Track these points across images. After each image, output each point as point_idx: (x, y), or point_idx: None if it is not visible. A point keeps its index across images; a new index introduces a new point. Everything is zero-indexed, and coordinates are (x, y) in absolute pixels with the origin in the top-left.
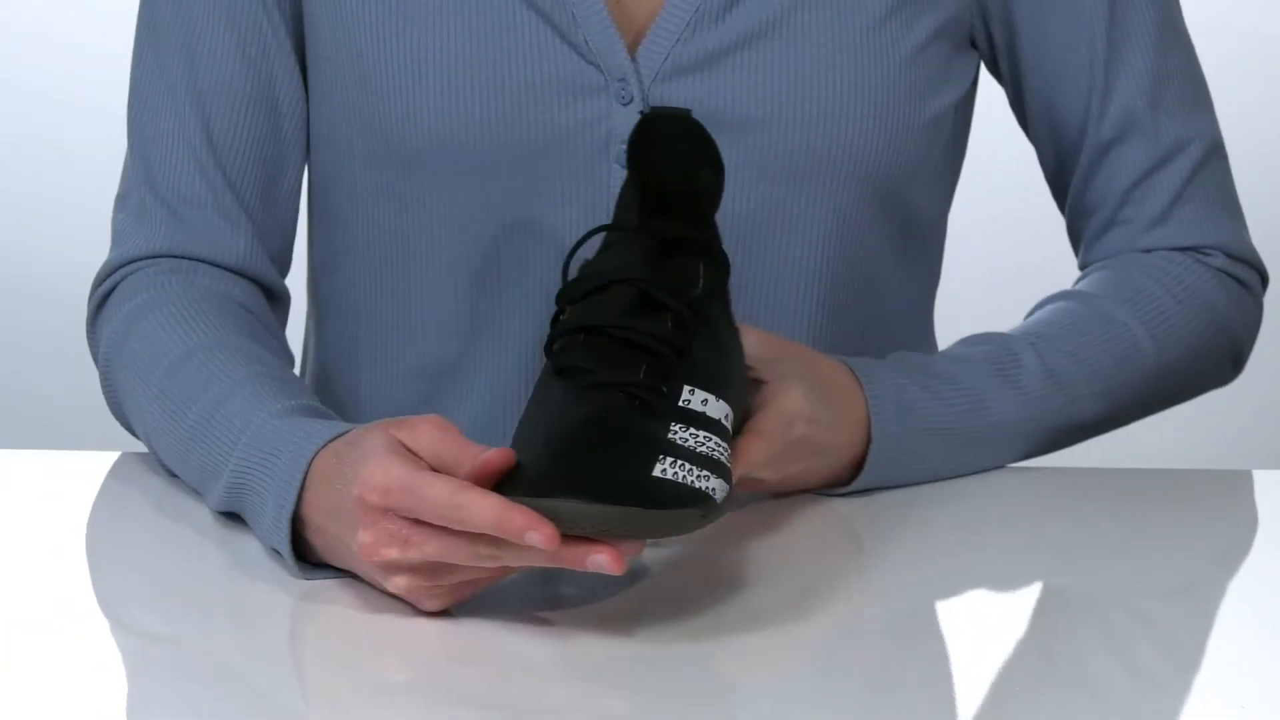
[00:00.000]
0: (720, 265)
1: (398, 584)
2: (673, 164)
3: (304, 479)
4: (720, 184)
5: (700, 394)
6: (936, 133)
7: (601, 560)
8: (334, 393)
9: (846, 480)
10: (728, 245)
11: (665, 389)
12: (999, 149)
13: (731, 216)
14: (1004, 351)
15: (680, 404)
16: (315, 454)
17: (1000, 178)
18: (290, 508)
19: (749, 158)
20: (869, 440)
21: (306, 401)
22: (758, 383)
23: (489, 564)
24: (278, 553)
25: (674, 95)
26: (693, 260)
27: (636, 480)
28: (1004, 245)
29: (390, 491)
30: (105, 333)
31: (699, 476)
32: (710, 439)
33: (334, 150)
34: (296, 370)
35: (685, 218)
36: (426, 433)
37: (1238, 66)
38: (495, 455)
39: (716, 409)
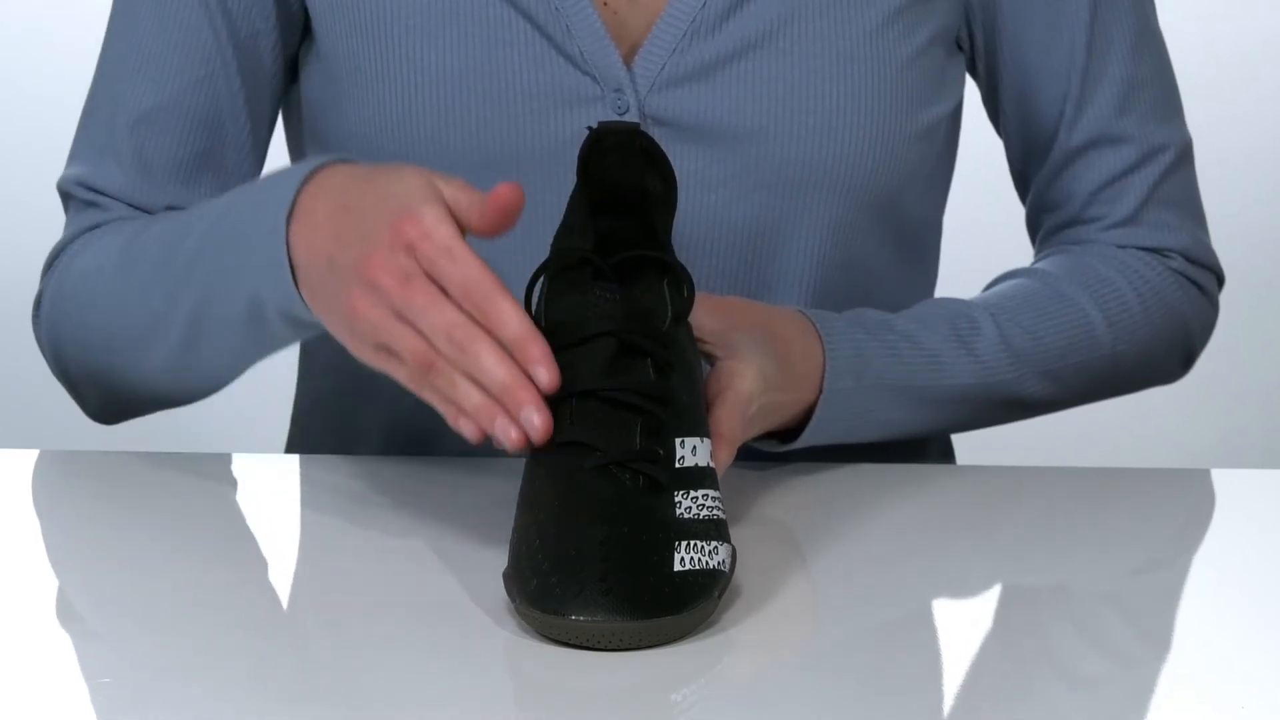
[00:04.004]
0: (683, 285)
1: (360, 300)
2: (622, 170)
3: (308, 178)
4: (672, 197)
5: (690, 442)
6: (932, 141)
7: (511, 433)
8: (332, 422)
9: (796, 429)
10: (726, 255)
11: (662, 450)
12: (995, 147)
13: (728, 226)
14: (964, 318)
15: (678, 465)
16: (323, 165)
17: (997, 176)
18: (290, 200)
19: (745, 168)
20: (820, 393)
21: None
22: (711, 357)
23: (444, 350)
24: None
25: (670, 105)
26: (655, 283)
27: (663, 585)
28: (1001, 245)
29: (430, 240)
30: (48, 284)
31: (710, 552)
32: (708, 496)
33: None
34: (288, 407)
35: (635, 224)
36: (456, 190)
37: (1238, 66)
38: (500, 193)
39: (704, 453)
